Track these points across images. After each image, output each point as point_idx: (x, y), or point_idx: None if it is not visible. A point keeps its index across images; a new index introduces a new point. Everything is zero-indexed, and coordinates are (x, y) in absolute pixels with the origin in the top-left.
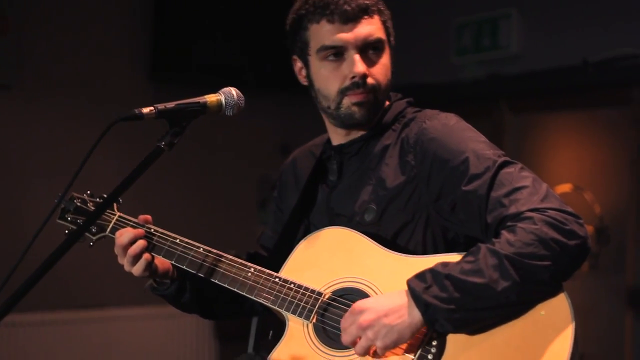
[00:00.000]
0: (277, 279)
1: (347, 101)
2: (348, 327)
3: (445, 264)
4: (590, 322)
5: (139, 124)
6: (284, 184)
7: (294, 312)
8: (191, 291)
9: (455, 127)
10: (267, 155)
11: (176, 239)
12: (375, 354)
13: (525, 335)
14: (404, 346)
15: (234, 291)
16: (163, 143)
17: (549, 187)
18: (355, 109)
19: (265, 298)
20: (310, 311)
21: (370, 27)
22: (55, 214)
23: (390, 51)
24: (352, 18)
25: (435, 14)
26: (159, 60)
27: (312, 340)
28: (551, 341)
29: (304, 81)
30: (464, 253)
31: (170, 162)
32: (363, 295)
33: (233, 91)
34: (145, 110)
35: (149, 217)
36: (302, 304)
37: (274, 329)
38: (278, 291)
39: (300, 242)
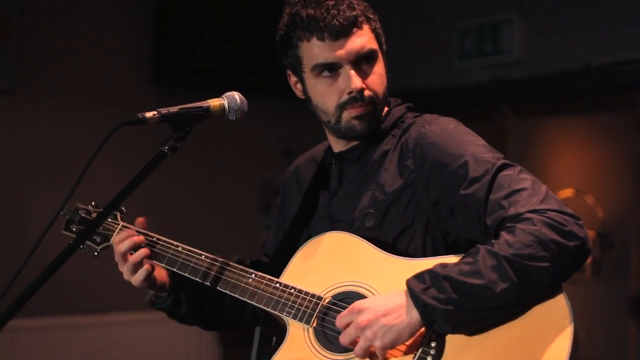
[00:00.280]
0: (277, 284)
1: (346, 115)
2: (345, 327)
3: (444, 265)
4: (593, 328)
5: (142, 128)
6: (286, 190)
7: (294, 317)
8: (187, 303)
9: (454, 131)
10: (270, 159)
11: (178, 246)
12: (374, 356)
13: (524, 336)
14: (403, 347)
15: (234, 300)
16: (166, 147)
17: (548, 188)
18: (355, 122)
19: (265, 303)
20: (311, 315)
21: (362, 39)
22: (59, 224)
23: (383, 57)
24: (342, 33)
25: (437, 18)
26: (162, 64)
27: (312, 344)
28: (550, 342)
29: (300, 95)
30: (464, 254)
31: (172, 166)
32: (363, 298)
33: (236, 95)
34: (149, 114)
35: (142, 219)
36: (303, 308)
37: (277, 335)
38: (278, 296)
39: (300, 248)
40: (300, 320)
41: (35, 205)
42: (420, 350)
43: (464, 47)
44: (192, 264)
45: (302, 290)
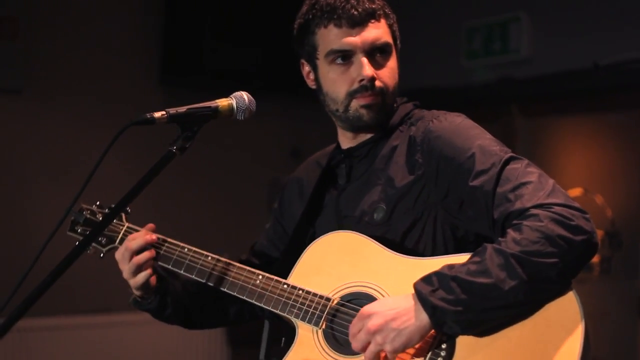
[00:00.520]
0: (285, 286)
1: (355, 104)
2: (357, 333)
3: (451, 266)
4: (602, 328)
5: (150, 128)
6: (286, 197)
7: (302, 319)
8: (173, 305)
9: (462, 125)
10: (278, 158)
11: (184, 248)
12: (385, 359)
13: (535, 335)
14: (413, 350)
15: (219, 303)
16: (175, 147)
17: (555, 182)
18: (363, 111)
19: (274, 305)
20: (320, 317)
21: (377, 31)
22: (65, 226)
23: (396, 54)
24: (359, 22)
25: (445, 17)
26: (170, 64)
27: (322, 347)
28: (562, 341)
29: (312, 85)
30: (471, 254)
31: (181, 165)
32: (371, 299)
33: (244, 95)
34: (157, 114)
35: (153, 225)
36: (311, 310)
37: (286, 335)
38: (287, 298)
39: (307, 248)
40: (309, 322)
41: (43, 205)
42: (430, 352)
43: (472, 46)
44: (198, 266)
45: (310, 292)
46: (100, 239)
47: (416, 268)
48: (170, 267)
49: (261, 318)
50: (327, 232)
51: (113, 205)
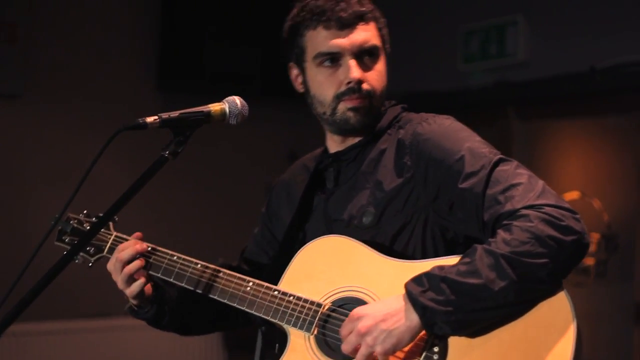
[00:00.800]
0: (275, 292)
1: (342, 106)
2: (347, 335)
3: (441, 267)
4: (597, 331)
5: (149, 132)
6: (274, 201)
7: (294, 325)
8: (170, 314)
9: (450, 127)
10: (275, 162)
11: (173, 256)
12: None
13: (527, 336)
14: (405, 353)
15: (214, 308)
16: (167, 152)
17: (545, 183)
18: (350, 114)
19: (265, 312)
20: (311, 323)
21: (366, 34)
22: (53, 236)
23: (385, 58)
24: (348, 24)
25: (442, 21)
26: (168, 68)
27: (314, 353)
28: (554, 341)
29: (300, 88)
30: (462, 255)
31: (177, 169)
32: (363, 304)
33: (237, 100)
34: (149, 119)
35: (140, 234)
36: (303, 316)
37: (280, 341)
38: (277, 304)
39: (297, 253)
40: (301, 328)
41: (41, 209)
42: (423, 355)
43: (469, 50)
44: (187, 274)
45: (301, 298)
46: (88, 248)
47: (407, 271)
48: (159, 275)
49: (257, 325)
50: (317, 236)
51: (101, 214)
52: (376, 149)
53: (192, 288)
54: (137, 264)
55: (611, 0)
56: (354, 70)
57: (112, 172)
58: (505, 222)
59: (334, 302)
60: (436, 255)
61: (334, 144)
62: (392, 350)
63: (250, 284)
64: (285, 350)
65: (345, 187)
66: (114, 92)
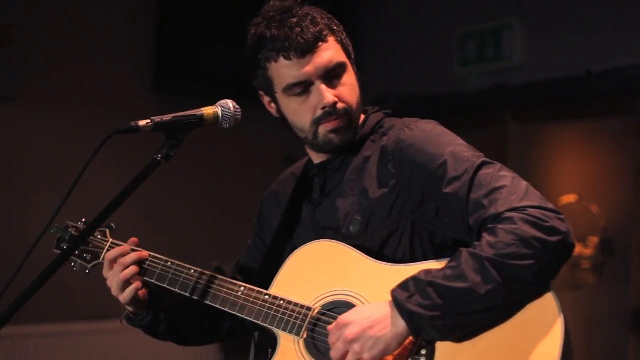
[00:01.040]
0: (266, 297)
1: (322, 130)
2: (335, 343)
3: (427, 272)
4: (594, 334)
5: (149, 137)
6: (265, 211)
7: (284, 329)
8: (167, 321)
9: (433, 132)
10: (273, 165)
11: (167, 261)
12: None
13: (514, 338)
14: (392, 357)
15: (210, 317)
16: (159, 156)
17: (529, 185)
18: (332, 135)
19: (255, 316)
20: (300, 327)
21: (328, 53)
22: (50, 241)
23: (353, 67)
24: (308, 49)
25: (438, 24)
26: (164, 71)
27: (303, 356)
28: (542, 343)
29: (275, 114)
30: (449, 259)
31: (175, 173)
32: (352, 307)
33: (230, 104)
34: (142, 123)
35: (136, 239)
36: (292, 320)
37: (272, 347)
38: (268, 309)
39: (288, 258)
40: (290, 332)
41: (37, 212)
42: (410, 359)
43: (465, 53)
44: (181, 279)
45: (291, 302)
46: (85, 255)
47: (396, 275)
48: (153, 281)
49: (252, 333)
50: (306, 243)
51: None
52: (360, 157)
53: (184, 293)
54: (132, 269)
55: (607, 3)
56: (327, 95)
57: (112, 176)
58: (490, 225)
59: (323, 306)
60: (425, 259)
61: (317, 157)
62: (380, 357)
63: (242, 289)
64: (275, 354)
65: (331, 196)
66: (110, 95)
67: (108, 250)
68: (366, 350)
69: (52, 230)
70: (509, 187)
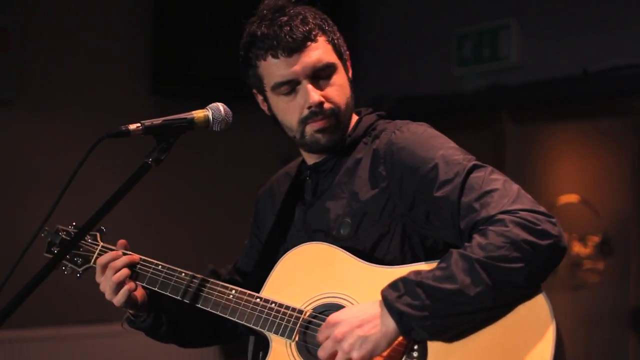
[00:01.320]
0: (258, 300)
1: (309, 129)
2: (324, 341)
3: (417, 272)
4: (593, 334)
5: (146, 139)
6: (261, 209)
7: (276, 332)
8: (168, 323)
9: (424, 135)
10: (270, 166)
11: (158, 265)
12: None
13: (506, 339)
14: (384, 359)
15: (211, 318)
16: (150, 160)
17: (520, 187)
18: (319, 135)
19: (247, 320)
20: (292, 330)
21: (317, 53)
22: (40, 245)
23: (345, 68)
24: (296, 48)
25: (435, 25)
26: (162, 73)
27: (295, 359)
28: (533, 345)
29: (267, 112)
30: (439, 260)
31: (171, 174)
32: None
33: (220, 107)
34: (132, 126)
35: (125, 242)
36: (284, 323)
37: (264, 349)
38: (259, 312)
39: (279, 261)
40: (282, 335)
41: (35, 215)
42: (402, 359)
43: (463, 54)
44: (172, 283)
45: (283, 305)
46: (76, 259)
47: (387, 277)
48: (145, 285)
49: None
50: (299, 244)
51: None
52: (352, 159)
53: (176, 297)
54: (124, 272)
55: (604, 3)
56: (312, 95)
57: (111, 178)
58: (481, 227)
59: (315, 309)
60: (416, 262)
61: (309, 157)
62: (369, 356)
63: (233, 292)
64: (267, 357)
65: (323, 198)
66: (107, 98)
67: (100, 254)
68: (355, 348)
69: (42, 234)
70: (500, 190)
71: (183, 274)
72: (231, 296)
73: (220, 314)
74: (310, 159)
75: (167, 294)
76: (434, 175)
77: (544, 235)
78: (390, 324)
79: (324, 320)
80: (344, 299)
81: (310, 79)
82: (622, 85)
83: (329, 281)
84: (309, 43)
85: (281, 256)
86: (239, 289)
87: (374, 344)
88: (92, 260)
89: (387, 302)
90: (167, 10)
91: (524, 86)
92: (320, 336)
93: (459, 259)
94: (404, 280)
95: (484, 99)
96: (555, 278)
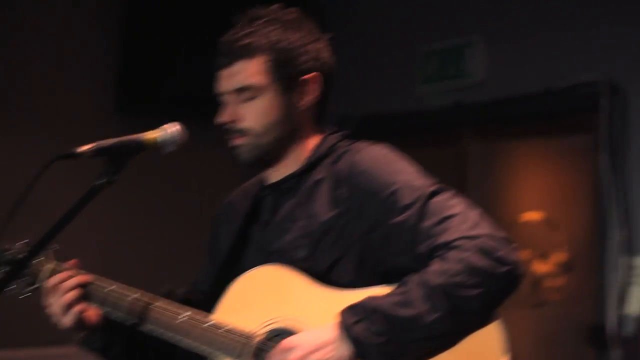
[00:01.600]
0: (208, 323)
1: (229, 144)
2: None
3: (375, 297)
4: (554, 352)
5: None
6: (219, 226)
7: (228, 357)
8: (121, 344)
9: (386, 158)
10: (236, 185)
11: (112, 285)
12: None
13: None
14: None
15: (166, 339)
16: (101, 181)
17: (481, 213)
18: (235, 152)
19: (197, 345)
20: (244, 355)
21: (241, 72)
22: None
23: (282, 90)
24: (226, 64)
25: (400, 42)
26: (130, 91)
27: None
28: None
29: None
30: (397, 284)
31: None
32: (296, 334)
33: (173, 128)
34: (83, 148)
35: (76, 261)
36: (236, 348)
37: None
38: (210, 336)
39: (233, 283)
40: None
41: None
42: None
43: (427, 71)
44: (123, 304)
45: (235, 329)
46: (24, 278)
47: (342, 300)
48: (95, 306)
49: None
50: (254, 266)
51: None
52: (312, 179)
53: (126, 318)
54: (73, 294)
55: (566, 21)
56: (220, 115)
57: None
58: (439, 252)
59: (268, 333)
60: (373, 286)
61: (269, 175)
62: None
63: (183, 314)
64: None
65: (281, 218)
66: (71, 118)
67: (52, 274)
68: None
69: None
70: (460, 215)
71: (136, 295)
72: (183, 318)
73: (170, 339)
74: (271, 177)
75: (118, 315)
76: (393, 200)
77: (503, 262)
78: (346, 349)
79: (276, 344)
80: (298, 323)
81: (229, 96)
82: (584, 103)
83: (283, 305)
84: (237, 61)
85: (235, 277)
86: (192, 310)
87: None
88: (42, 281)
89: (344, 327)
90: (136, 24)
91: (489, 103)
92: None
93: (417, 285)
94: (361, 305)
95: (448, 116)
96: (516, 296)
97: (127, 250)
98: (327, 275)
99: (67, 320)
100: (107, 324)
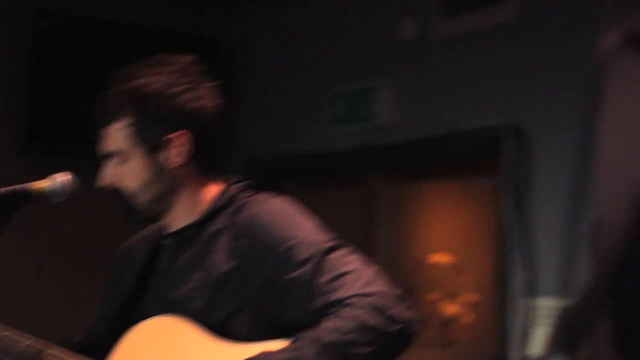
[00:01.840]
0: None
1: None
2: None
3: (267, 353)
4: None
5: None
6: (116, 271)
7: None
8: None
9: (285, 212)
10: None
11: (6, 330)
12: None
13: None
14: None
15: None
16: None
17: (378, 270)
18: (118, 213)
19: None
20: None
21: (109, 137)
22: None
23: (140, 153)
24: (98, 126)
25: (309, 84)
26: (35, 132)
27: None
28: None
29: None
30: (290, 340)
31: (27, 236)
32: None
33: (63, 178)
34: None
35: None
36: None
37: None
38: None
39: (127, 333)
40: None
41: None
42: None
43: (336, 113)
44: (16, 351)
45: None
46: None
47: (235, 355)
48: None
49: None
50: (150, 316)
51: None
52: (212, 229)
53: None
54: None
55: (472, 66)
56: (100, 177)
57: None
58: (332, 309)
59: None
60: (269, 339)
61: (170, 223)
62: None
63: None
64: None
65: (179, 268)
66: None
67: None
68: None
69: None
70: (355, 272)
71: (30, 342)
72: None
73: None
74: (170, 226)
75: None
76: (290, 255)
77: (395, 320)
78: None
79: None
80: None
81: (105, 160)
82: (487, 146)
83: (176, 358)
84: (104, 125)
85: (130, 327)
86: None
87: None
88: None
89: None
90: (46, 61)
91: (396, 146)
92: None
93: (310, 342)
94: None
95: (357, 158)
96: (426, 335)
97: (25, 296)
98: (223, 327)
99: None
100: None
